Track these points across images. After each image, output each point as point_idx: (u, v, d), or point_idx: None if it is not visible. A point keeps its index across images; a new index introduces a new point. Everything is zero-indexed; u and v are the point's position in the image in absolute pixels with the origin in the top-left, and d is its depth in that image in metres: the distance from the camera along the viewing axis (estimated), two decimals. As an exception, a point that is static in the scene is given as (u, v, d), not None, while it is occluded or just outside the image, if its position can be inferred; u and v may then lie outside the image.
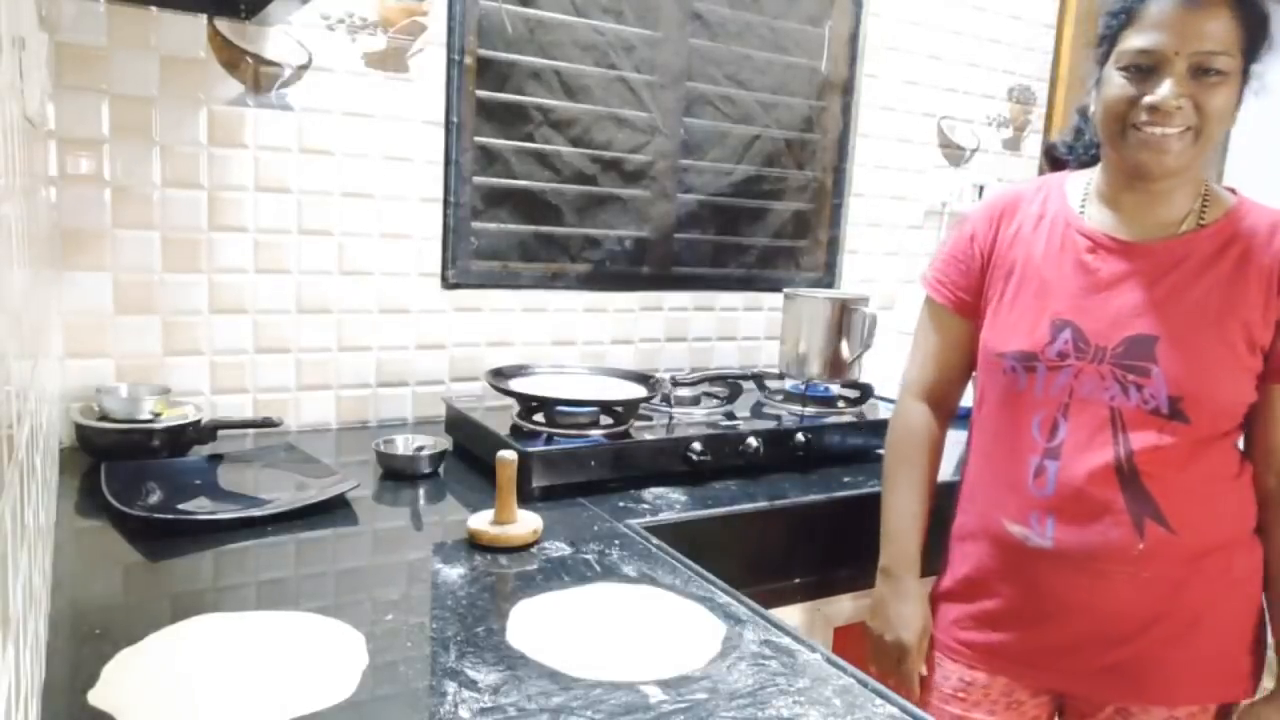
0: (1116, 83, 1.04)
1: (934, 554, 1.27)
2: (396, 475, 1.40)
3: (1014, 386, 1.14)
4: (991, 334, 1.17)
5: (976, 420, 1.24)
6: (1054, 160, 1.27)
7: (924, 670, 1.23)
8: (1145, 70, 1.02)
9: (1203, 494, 1.08)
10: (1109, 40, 1.07)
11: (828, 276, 2.25)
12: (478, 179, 1.77)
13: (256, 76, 1.51)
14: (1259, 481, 1.12)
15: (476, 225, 1.78)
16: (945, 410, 1.30)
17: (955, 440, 1.32)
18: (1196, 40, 0.99)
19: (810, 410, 1.69)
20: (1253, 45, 1.02)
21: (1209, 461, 1.08)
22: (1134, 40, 1.02)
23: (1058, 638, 1.13)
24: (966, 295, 1.23)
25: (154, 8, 1.41)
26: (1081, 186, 1.17)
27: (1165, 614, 1.09)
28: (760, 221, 2.15)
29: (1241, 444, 1.13)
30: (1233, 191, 1.12)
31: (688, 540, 1.22)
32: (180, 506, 1.19)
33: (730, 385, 1.75)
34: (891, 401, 1.36)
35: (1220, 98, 1.01)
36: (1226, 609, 1.12)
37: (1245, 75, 1.03)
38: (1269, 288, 1.05)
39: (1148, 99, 1.01)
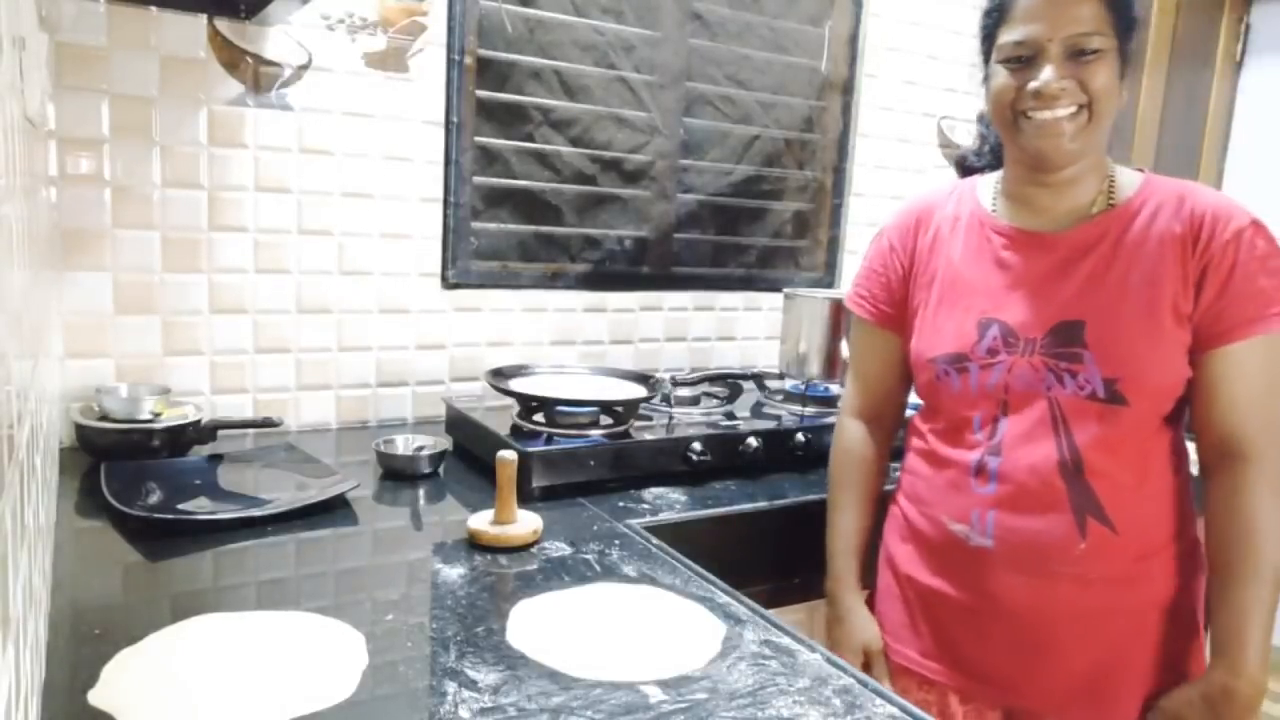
0: (1000, 76, 1.08)
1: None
2: (396, 475, 1.40)
3: (949, 389, 1.14)
4: (920, 341, 1.18)
5: (915, 426, 1.23)
6: (966, 170, 1.29)
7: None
8: (1025, 60, 1.05)
9: (1145, 492, 1.07)
10: (988, 39, 1.10)
11: (828, 276, 2.26)
12: (478, 179, 1.77)
13: (256, 76, 1.51)
14: (1200, 458, 1.09)
15: (476, 225, 1.78)
16: (887, 424, 1.30)
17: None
18: (1067, 25, 1.02)
19: (810, 410, 1.69)
20: (1122, 23, 1.04)
21: (1151, 457, 1.07)
22: (1010, 34, 1.06)
23: (1002, 645, 1.11)
24: (889, 308, 1.24)
25: (154, 8, 1.42)
26: (991, 187, 1.19)
27: (1110, 619, 1.08)
28: (760, 221, 2.15)
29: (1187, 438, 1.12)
30: (1141, 171, 1.13)
31: (688, 540, 1.22)
32: (180, 506, 1.19)
33: (730, 385, 1.75)
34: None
35: (1101, 75, 1.03)
36: (1172, 615, 1.09)
37: (1124, 54, 1.06)
38: (1184, 254, 1.04)
39: (1031, 85, 1.04)
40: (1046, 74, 1.03)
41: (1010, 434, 1.09)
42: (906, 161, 2.30)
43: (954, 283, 1.16)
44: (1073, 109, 1.03)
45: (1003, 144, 1.16)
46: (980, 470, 1.11)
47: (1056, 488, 1.06)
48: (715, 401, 1.71)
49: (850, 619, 1.24)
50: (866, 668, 1.21)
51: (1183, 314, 1.04)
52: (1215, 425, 1.05)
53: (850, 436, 1.30)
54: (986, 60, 1.12)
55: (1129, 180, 1.11)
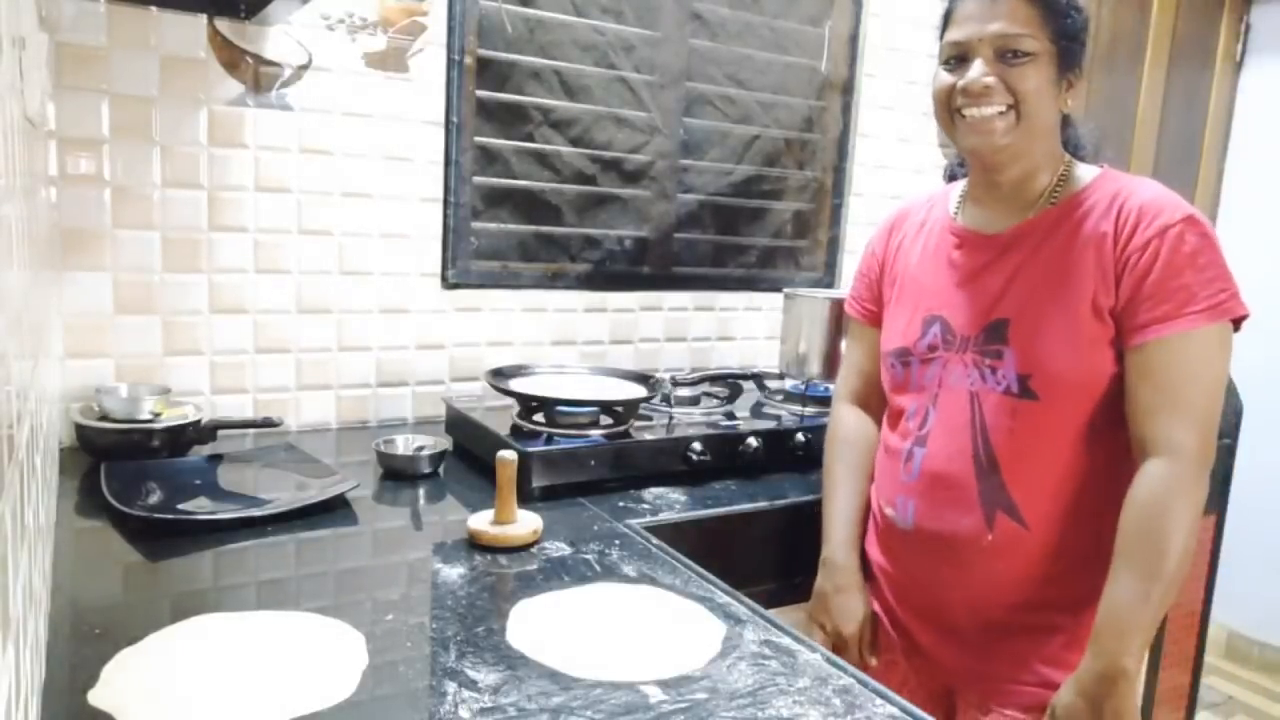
0: (939, 76, 1.13)
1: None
2: (396, 475, 1.40)
3: (895, 381, 1.22)
4: (881, 337, 1.27)
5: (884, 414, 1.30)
6: (954, 179, 1.32)
7: (873, 660, 1.24)
8: (959, 61, 1.10)
9: (1064, 493, 1.07)
10: (939, 44, 1.15)
11: (828, 276, 2.26)
12: (478, 179, 1.77)
13: (256, 76, 1.51)
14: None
15: (476, 225, 1.78)
16: (877, 409, 1.33)
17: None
18: (996, 25, 1.06)
19: (810, 410, 1.68)
20: (1058, 28, 1.06)
21: (1073, 457, 1.07)
22: (949, 36, 1.12)
23: (923, 623, 1.19)
24: (873, 306, 1.32)
25: (154, 8, 1.41)
26: (959, 192, 1.24)
27: (1017, 613, 1.10)
28: (760, 221, 2.15)
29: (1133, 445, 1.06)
30: (1102, 167, 1.14)
31: (688, 540, 1.22)
32: (180, 506, 1.19)
33: (730, 385, 1.75)
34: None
35: (1030, 77, 1.06)
36: (1080, 614, 1.08)
37: (1063, 60, 1.07)
38: (1101, 250, 1.04)
39: (960, 83, 1.08)
40: (973, 71, 1.07)
41: (935, 427, 1.15)
42: (906, 161, 2.30)
43: (910, 283, 1.23)
44: (1001, 108, 1.07)
45: None
46: (908, 458, 1.18)
47: (968, 481, 1.10)
48: (715, 401, 1.71)
49: (852, 592, 1.24)
50: (857, 640, 1.24)
51: (1103, 309, 1.04)
52: (1133, 422, 1.04)
53: (842, 419, 1.36)
54: None
55: (1082, 179, 1.12)
